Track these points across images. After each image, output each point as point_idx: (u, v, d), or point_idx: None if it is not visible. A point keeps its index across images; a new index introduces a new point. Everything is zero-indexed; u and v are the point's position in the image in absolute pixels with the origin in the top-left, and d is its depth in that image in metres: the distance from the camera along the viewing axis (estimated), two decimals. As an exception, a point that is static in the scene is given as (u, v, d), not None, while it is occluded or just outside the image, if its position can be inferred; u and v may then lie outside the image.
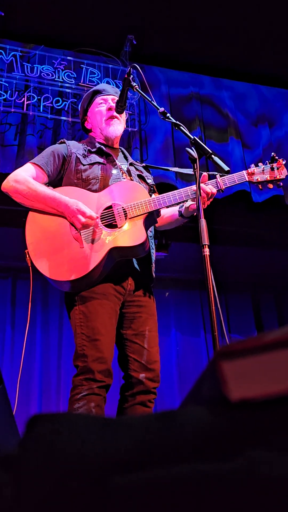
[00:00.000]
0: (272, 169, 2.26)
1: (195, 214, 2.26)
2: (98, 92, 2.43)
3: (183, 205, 2.28)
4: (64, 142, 2.35)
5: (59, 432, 0.34)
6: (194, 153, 1.93)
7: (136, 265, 2.17)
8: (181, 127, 2.02)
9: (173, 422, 0.35)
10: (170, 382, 5.29)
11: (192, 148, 1.94)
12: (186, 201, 2.22)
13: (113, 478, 0.32)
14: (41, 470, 0.32)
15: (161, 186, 4.01)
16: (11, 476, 0.34)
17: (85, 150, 2.30)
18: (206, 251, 1.77)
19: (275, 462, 0.32)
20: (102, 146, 2.33)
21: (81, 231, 2.08)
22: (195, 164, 1.91)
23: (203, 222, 1.80)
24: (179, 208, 2.31)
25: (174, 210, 2.35)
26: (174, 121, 2.05)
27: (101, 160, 2.28)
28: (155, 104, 2.13)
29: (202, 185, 2.14)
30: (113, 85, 4.33)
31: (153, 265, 2.26)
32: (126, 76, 2.17)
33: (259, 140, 4.98)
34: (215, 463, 0.32)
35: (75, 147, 2.32)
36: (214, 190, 2.17)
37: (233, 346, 0.40)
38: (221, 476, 0.31)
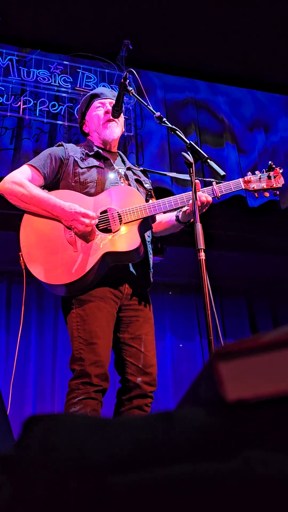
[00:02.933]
0: (269, 177, 2.25)
1: (191, 220, 2.26)
2: (96, 96, 2.44)
3: (180, 210, 2.28)
4: (62, 145, 2.35)
5: (57, 432, 0.34)
6: (190, 158, 1.93)
7: (132, 270, 2.17)
8: (177, 132, 2.03)
9: (170, 423, 0.35)
10: (165, 386, 5.28)
11: (188, 152, 1.95)
12: (182, 207, 2.22)
13: (111, 478, 0.32)
14: (38, 470, 0.32)
15: (157, 191, 4.01)
16: (8, 477, 0.34)
17: (83, 154, 2.30)
18: (202, 255, 1.77)
19: (271, 462, 0.32)
20: (99, 150, 2.33)
21: (76, 234, 2.08)
22: (190, 169, 1.92)
23: (198, 226, 1.80)
24: (177, 212, 2.31)
25: (171, 215, 2.35)
26: (170, 125, 2.05)
27: (98, 163, 2.28)
28: (151, 108, 2.13)
29: (198, 192, 2.14)
30: (109, 89, 4.34)
31: (151, 270, 2.26)
32: (122, 80, 2.17)
33: (255, 145, 5.00)
34: (213, 463, 0.32)
35: (73, 150, 2.32)
36: (210, 199, 2.17)
37: (230, 347, 0.40)
38: (219, 476, 0.31)
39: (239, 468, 0.31)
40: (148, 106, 2.15)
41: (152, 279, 2.26)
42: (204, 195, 2.15)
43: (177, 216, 2.30)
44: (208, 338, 1.68)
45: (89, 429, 0.35)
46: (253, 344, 0.40)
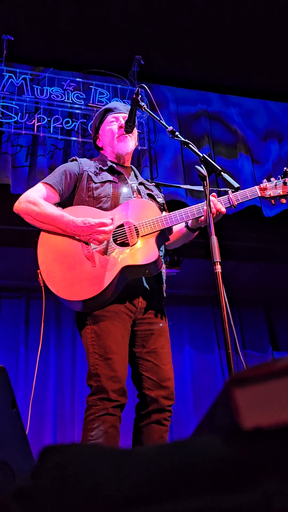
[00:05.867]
0: (285, 183, 2.22)
1: (202, 226, 2.24)
2: (109, 110, 2.45)
3: None
4: (76, 160, 2.36)
5: (72, 465, 0.34)
6: (203, 171, 1.92)
7: (145, 284, 2.16)
8: (190, 145, 2.02)
9: (187, 453, 0.35)
10: (185, 399, 5.23)
11: (202, 166, 1.94)
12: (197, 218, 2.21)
13: None
14: (52, 504, 0.32)
15: (172, 204, 4.01)
16: (24, 508, 0.33)
17: (97, 168, 2.31)
18: (218, 268, 1.76)
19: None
20: (113, 165, 2.34)
21: (93, 249, 2.08)
22: (204, 182, 1.91)
23: (214, 239, 1.79)
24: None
25: (181, 225, 2.33)
26: (183, 139, 2.05)
27: (112, 178, 2.28)
28: (164, 123, 2.14)
29: (213, 199, 2.13)
30: (122, 104, 4.38)
31: (164, 284, 2.24)
32: (134, 96, 2.18)
33: (269, 155, 4.98)
34: (231, 496, 0.31)
35: (87, 165, 2.32)
36: (224, 209, 2.14)
37: (246, 373, 0.39)
38: (237, 510, 0.30)
39: (258, 501, 0.30)
40: (161, 120, 2.15)
41: (165, 293, 2.24)
42: (219, 204, 2.13)
43: (186, 223, 2.28)
44: (227, 352, 1.66)
45: (104, 462, 0.34)
46: (269, 369, 0.39)
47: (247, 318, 5.97)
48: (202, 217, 2.16)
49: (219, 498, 0.31)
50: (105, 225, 2.03)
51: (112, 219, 2.08)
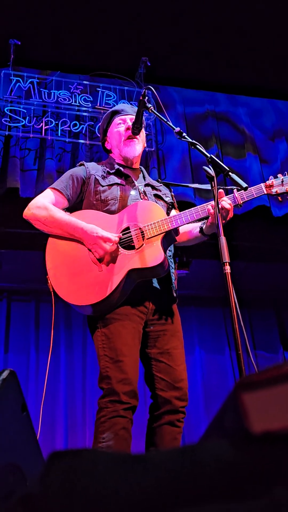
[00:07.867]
0: None
1: (216, 231, 2.23)
2: (117, 113, 2.45)
3: (204, 221, 2.25)
4: (83, 165, 2.37)
5: (79, 471, 0.33)
6: (211, 172, 1.91)
7: (156, 285, 2.16)
8: (198, 146, 2.01)
9: (195, 459, 0.34)
10: (196, 401, 5.22)
11: (209, 166, 1.93)
12: (204, 218, 2.19)
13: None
14: (60, 509, 0.32)
15: (180, 204, 4.00)
16: (32, 515, 0.33)
17: (104, 172, 2.32)
18: (227, 268, 1.75)
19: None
20: (120, 168, 2.34)
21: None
22: (212, 182, 1.90)
23: (223, 240, 1.78)
24: (201, 224, 2.28)
25: (195, 226, 2.31)
26: (190, 140, 2.04)
27: (119, 181, 2.28)
28: (171, 124, 2.13)
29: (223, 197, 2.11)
30: (129, 105, 4.38)
31: (173, 285, 2.23)
32: (141, 97, 2.18)
33: (277, 155, 4.96)
34: (239, 503, 0.31)
35: (94, 169, 2.33)
36: (227, 206, 2.12)
37: (254, 377, 0.39)
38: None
39: (267, 508, 0.30)
40: (168, 121, 2.14)
41: (175, 294, 2.24)
42: (223, 203, 2.10)
43: (201, 228, 2.27)
44: (237, 353, 1.65)
45: (111, 467, 0.34)
46: (277, 373, 0.39)
47: (257, 318, 5.94)
48: (210, 218, 2.15)
49: (228, 505, 0.30)
50: (109, 241, 2.04)
51: (118, 237, 2.08)
